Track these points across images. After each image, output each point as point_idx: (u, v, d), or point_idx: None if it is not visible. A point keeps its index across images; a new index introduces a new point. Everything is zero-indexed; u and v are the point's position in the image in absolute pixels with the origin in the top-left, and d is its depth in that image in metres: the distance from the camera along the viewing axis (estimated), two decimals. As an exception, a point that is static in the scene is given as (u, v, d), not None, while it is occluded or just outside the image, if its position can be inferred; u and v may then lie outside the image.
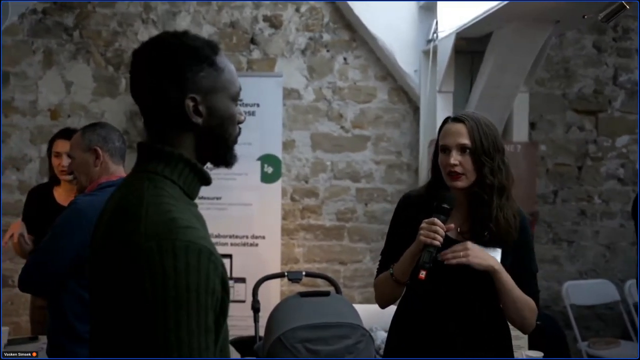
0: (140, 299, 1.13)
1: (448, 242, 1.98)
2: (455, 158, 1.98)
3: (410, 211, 2.11)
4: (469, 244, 1.95)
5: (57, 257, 2.26)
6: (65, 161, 3.21)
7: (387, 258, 2.14)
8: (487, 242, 2.01)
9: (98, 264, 1.25)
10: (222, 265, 1.21)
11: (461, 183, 2.00)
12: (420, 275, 1.90)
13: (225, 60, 1.33)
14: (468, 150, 1.99)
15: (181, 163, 1.28)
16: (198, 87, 1.27)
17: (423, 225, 1.95)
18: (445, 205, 1.98)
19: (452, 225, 1.98)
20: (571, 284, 4.68)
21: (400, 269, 2.03)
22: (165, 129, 1.29)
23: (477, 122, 2.01)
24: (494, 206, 1.99)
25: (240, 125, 1.39)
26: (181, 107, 1.26)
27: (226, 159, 1.36)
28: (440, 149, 2.06)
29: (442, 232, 1.93)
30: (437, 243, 1.92)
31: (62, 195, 3.39)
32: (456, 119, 2.05)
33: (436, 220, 1.94)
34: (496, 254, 2.01)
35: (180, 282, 1.12)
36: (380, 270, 2.18)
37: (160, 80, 1.26)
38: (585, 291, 4.68)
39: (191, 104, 1.27)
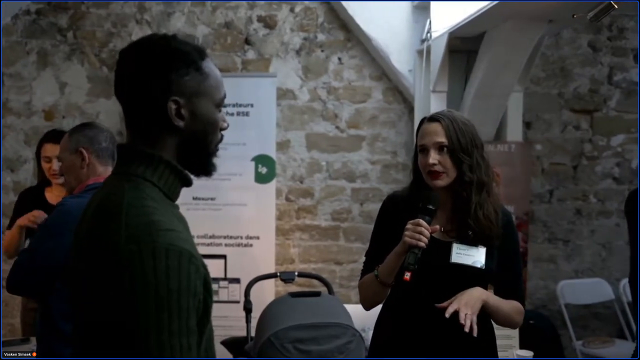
0: (121, 302, 1.13)
1: (433, 242, 1.98)
2: (433, 157, 1.99)
3: (394, 212, 2.10)
4: (458, 305, 1.89)
5: (45, 258, 2.24)
6: (56, 165, 3.19)
7: (372, 259, 2.13)
8: (471, 241, 2.01)
9: (79, 267, 1.25)
10: (204, 266, 1.22)
11: (441, 182, 2.00)
12: (405, 277, 1.90)
13: (211, 66, 1.33)
14: (446, 149, 1.99)
15: (162, 165, 1.28)
16: (182, 90, 1.27)
17: (408, 226, 1.94)
18: (430, 206, 1.98)
19: (437, 227, 1.98)
20: (566, 283, 4.69)
21: (386, 270, 2.01)
22: (147, 130, 1.29)
23: (453, 120, 2.02)
24: (473, 203, 1.99)
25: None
26: (164, 109, 1.26)
27: (206, 166, 1.35)
28: (418, 150, 2.06)
29: (427, 233, 1.92)
30: (422, 244, 1.91)
31: (53, 197, 3.37)
32: (432, 119, 2.05)
33: (421, 221, 1.93)
34: (481, 253, 2.01)
35: (160, 284, 1.12)
36: (364, 271, 2.16)
37: (144, 81, 1.26)
38: (580, 290, 4.69)
39: (174, 106, 1.26)
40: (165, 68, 1.26)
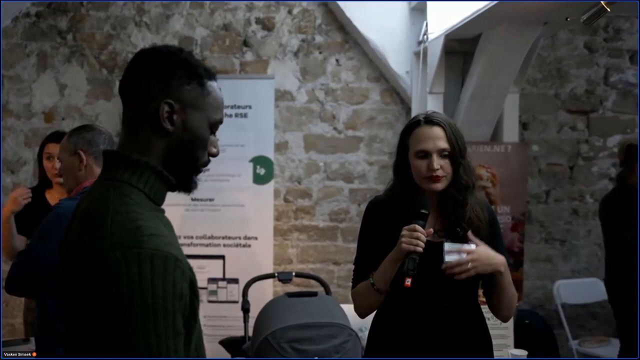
0: (108, 307, 1.15)
1: (425, 244, 1.98)
2: (437, 162, 1.98)
3: (379, 217, 2.10)
4: (474, 251, 1.93)
5: (41, 259, 2.26)
6: (58, 164, 3.23)
7: (363, 266, 2.11)
8: (461, 239, 2.02)
9: (66, 272, 1.26)
10: (190, 269, 1.24)
11: (441, 185, 2.01)
12: (406, 283, 1.90)
13: (216, 89, 1.35)
14: (447, 154, 2.00)
15: (147, 171, 1.30)
16: (178, 97, 1.29)
17: (404, 232, 1.93)
18: (424, 211, 1.98)
19: (431, 231, 1.98)
20: (562, 283, 4.71)
21: (382, 278, 1.99)
22: (136, 131, 1.31)
23: (450, 124, 2.03)
24: (468, 206, 2.01)
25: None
26: (156, 109, 1.28)
27: (187, 182, 1.37)
28: (416, 154, 2.04)
29: (423, 238, 1.92)
30: (420, 249, 1.91)
31: (54, 198, 3.40)
32: (432, 122, 2.03)
33: (417, 226, 1.93)
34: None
35: (146, 289, 1.14)
36: (356, 279, 2.13)
37: (146, 78, 1.29)
38: (577, 290, 4.71)
39: (166, 108, 1.28)
40: (169, 72, 1.29)
